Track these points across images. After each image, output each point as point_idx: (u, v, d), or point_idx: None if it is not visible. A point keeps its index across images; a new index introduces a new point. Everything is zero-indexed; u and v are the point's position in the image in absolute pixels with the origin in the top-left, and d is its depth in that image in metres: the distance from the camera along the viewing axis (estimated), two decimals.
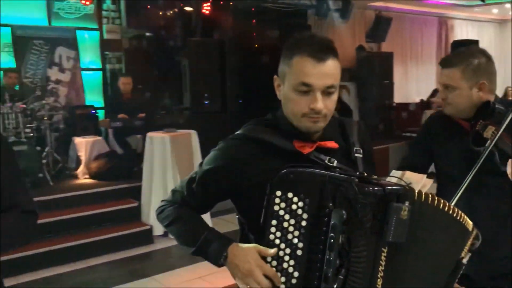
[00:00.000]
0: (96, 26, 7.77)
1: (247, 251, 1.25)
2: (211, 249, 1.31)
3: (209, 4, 8.27)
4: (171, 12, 8.56)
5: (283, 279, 1.23)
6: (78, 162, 6.22)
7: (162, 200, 1.47)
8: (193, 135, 5.62)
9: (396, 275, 1.22)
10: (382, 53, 10.81)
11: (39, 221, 1.59)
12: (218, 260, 1.28)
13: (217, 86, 8.11)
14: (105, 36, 7.86)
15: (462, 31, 12.62)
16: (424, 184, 1.26)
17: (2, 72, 6.61)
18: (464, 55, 1.82)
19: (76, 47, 7.46)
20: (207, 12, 8.38)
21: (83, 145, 6.17)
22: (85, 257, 4.68)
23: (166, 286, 4.14)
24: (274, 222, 1.23)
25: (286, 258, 1.24)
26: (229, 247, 1.28)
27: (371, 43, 10.68)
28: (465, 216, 1.31)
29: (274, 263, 1.24)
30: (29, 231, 1.49)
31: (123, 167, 6.07)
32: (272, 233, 1.23)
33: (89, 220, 5.09)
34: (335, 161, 1.28)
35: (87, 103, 7.43)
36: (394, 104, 10.29)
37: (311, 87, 1.25)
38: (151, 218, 5.19)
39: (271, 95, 1.39)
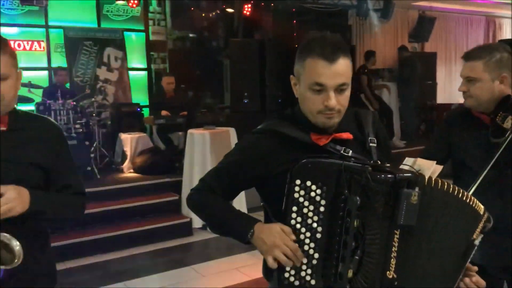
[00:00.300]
0: (142, 28, 8.02)
1: (272, 228, 1.35)
2: (238, 227, 1.42)
3: (250, 5, 8.40)
4: (214, 13, 8.72)
5: (304, 260, 1.34)
6: (123, 157, 6.47)
7: (191, 189, 1.58)
8: (232, 132, 5.74)
9: (408, 256, 1.29)
10: (425, 53, 10.63)
11: (87, 211, 1.76)
12: (245, 236, 1.38)
13: (256, 86, 8.18)
14: (151, 37, 8.09)
15: (511, 30, 12.23)
16: (434, 170, 1.33)
17: (52, 71, 6.98)
18: (486, 49, 1.85)
19: (124, 47, 7.71)
20: (248, 13, 8.49)
21: (128, 141, 6.42)
22: (129, 246, 4.88)
23: (203, 275, 4.28)
24: (294, 208, 1.34)
25: (307, 241, 1.34)
26: (255, 225, 1.39)
27: (414, 43, 10.53)
28: (476, 200, 1.36)
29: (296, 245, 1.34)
30: (79, 208, 1.68)
31: (166, 162, 6.27)
32: (293, 218, 1.34)
33: (132, 211, 5.30)
34: (350, 151, 1.37)
35: (133, 101, 7.67)
36: (436, 105, 10.11)
37: (324, 86, 1.34)
38: (190, 211, 5.34)
39: None
